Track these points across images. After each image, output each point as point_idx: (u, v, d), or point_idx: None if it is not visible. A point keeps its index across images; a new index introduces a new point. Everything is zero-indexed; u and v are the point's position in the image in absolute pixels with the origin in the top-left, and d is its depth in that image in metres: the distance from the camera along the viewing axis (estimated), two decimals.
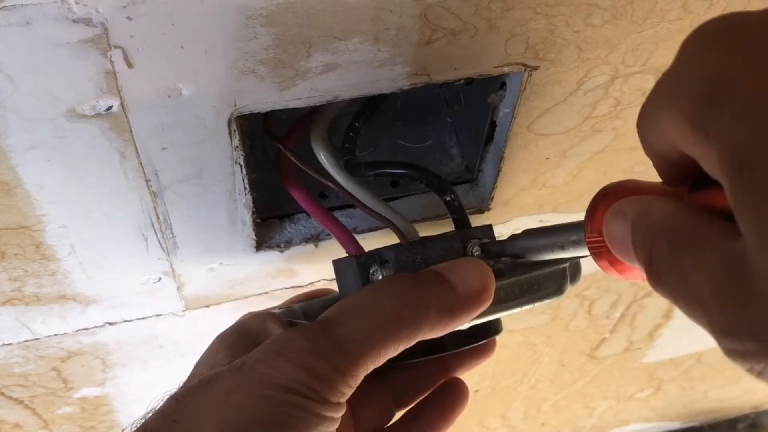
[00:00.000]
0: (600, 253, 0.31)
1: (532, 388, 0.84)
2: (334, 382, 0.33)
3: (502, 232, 0.54)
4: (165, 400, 0.33)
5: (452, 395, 0.45)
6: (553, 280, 0.40)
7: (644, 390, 0.93)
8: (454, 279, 0.36)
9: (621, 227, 0.27)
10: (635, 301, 0.72)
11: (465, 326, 0.38)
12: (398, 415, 0.45)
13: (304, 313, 0.42)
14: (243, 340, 0.36)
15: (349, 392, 0.34)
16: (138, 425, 0.32)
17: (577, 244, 0.33)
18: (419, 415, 0.44)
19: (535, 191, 0.50)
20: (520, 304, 0.39)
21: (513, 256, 0.38)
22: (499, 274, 0.40)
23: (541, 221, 0.54)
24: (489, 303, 0.36)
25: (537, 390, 0.84)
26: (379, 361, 0.34)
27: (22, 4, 0.29)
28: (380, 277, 0.39)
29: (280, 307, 0.43)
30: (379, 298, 0.36)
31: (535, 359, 0.77)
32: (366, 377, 0.45)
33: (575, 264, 0.42)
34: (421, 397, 0.45)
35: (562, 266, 0.40)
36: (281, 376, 0.32)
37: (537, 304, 0.40)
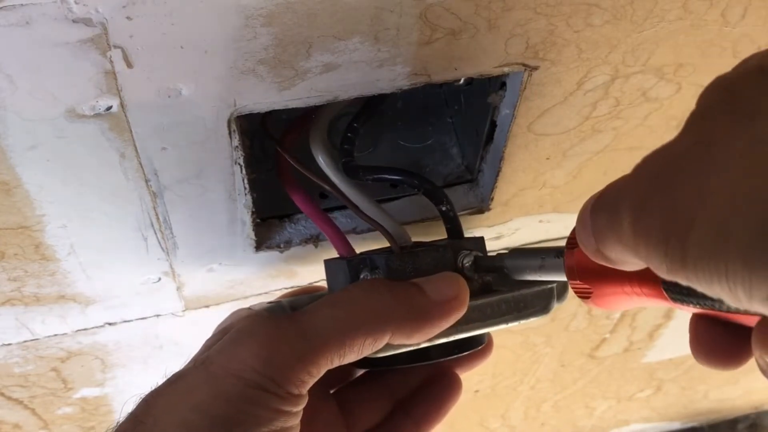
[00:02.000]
0: (586, 296, 0.32)
1: (532, 389, 0.83)
2: (293, 369, 0.33)
3: (502, 232, 0.54)
4: (137, 401, 0.33)
5: (443, 387, 0.45)
6: (540, 299, 0.41)
7: (644, 390, 0.93)
8: (427, 287, 0.37)
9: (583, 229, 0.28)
10: None
11: (449, 339, 0.39)
12: None
13: (292, 307, 0.43)
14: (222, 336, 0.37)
15: (310, 382, 0.33)
16: (112, 428, 0.33)
17: (557, 271, 0.34)
18: (410, 409, 0.44)
19: (536, 191, 0.50)
20: (506, 321, 0.40)
21: (500, 273, 0.39)
22: (486, 288, 0.41)
23: (541, 221, 0.54)
24: (462, 312, 0.37)
25: (537, 390, 0.84)
26: (345, 354, 0.34)
27: (22, 4, 0.29)
28: None
29: (269, 302, 0.44)
30: (351, 294, 0.36)
31: (535, 359, 0.77)
32: (363, 378, 0.45)
33: (564, 283, 0.42)
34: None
35: (549, 286, 0.41)
36: (240, 367, 0.32)
37: (522, 322, 0.41)
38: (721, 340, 0.26)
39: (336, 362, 0.34)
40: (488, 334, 0.44)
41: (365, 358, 0.37)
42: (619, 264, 0.27)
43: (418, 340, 0.36)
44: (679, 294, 0.27)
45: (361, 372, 0.45)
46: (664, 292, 0.28)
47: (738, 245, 0.20)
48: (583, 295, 0.32)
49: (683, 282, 0.22)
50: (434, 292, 0.37)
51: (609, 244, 0.26)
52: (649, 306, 0.30)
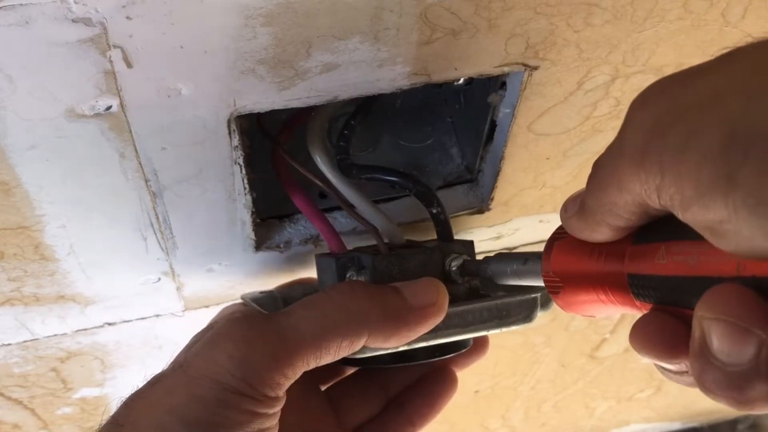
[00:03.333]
0: (556, 292, 0.32)
1: (533, 389, 0.83)
2: (268, 371, 0.33)
3: (502, 232, 0.54)
4: (119, 404, 0.33)
5: (438, 383, 0.45)
6: (523, 308, 0.41)
7: (644, 390, 0.93)
8: (406, 292, 0.37)
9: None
10: None
11: (428, 344, 0.39)
12: None
13: (284, 299, 0.43)
14: None
15: (285, 383, 0.33)
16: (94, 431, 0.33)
17: (538, 274, 0.34)
18: (404, 404, 0.44)
19: (536, 191, 0.50)
20: (487, 328, 0.40)
21: (485, 277, 0.39)
22: (473, 293, 0.41)
23: (541, 221, 0.54)
24: (439, 318, 0.37)
25: (537, 390, 0.84)
26: (321, 356, 0.34)
27: (22, 4, 0.29)
28: None
29: (261, 292, 0.44)
30: (329, 296, 0.36)
31: (535, 359, 0.77)
32: (355, 374, 0.45)
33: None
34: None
35: (533, 295, 0.41)
36: (216, 370, 0.32)
37: (504, 330, 0.41)
38: (665, 327, 0.26)
39: (312, 364, 0.34)
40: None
41: (349, 358, 0.37)
42: (598, 215, 0.28)
43: (395, 344, 0.37)
44: (644, 289, 0.28)
45: (352, 369, 0.45)
46: (629, 288, 0.28)
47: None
48: (553, 290, 0.32)
49: (656, 172, 0.24)
50: (413, 298, 0.37)
51: (601, 176, 0.27)
52: (611, 313, 0.31)
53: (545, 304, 0.42)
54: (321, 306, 0.35)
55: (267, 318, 0.35)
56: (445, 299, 0.38)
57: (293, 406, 0.36)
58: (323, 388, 0.45)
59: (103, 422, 0.33)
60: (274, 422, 0.34)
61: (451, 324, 0.39)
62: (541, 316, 0.42)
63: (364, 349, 0.36)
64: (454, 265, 0.40)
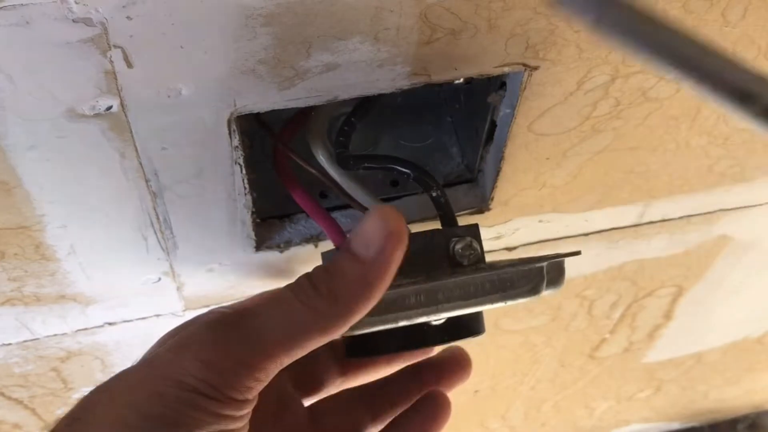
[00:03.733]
0: None
1: (533, 389, 0.84)
2: (237, 376, 0.31)
3: (502, 232, 0.54)
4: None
5: (433, 408, 0.43)
6: (528, 280, 0.38)
7: (644, 390, 0.93)
8: (359, 247, 0.34)
9: None
10: (635, 301, 0.72)
11: (439, 321, 0.38)
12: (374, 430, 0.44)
13: None
14: None
15: (257, 387, 0.32)
16: (54, 423, 0.32)
17: None
18: (397, 429, 0.43)
19: (536, 191, 0.50)
20: (491, 302, 0.38)
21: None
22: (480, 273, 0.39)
23: (541, 221, 0.54)
24: (404, 244, 0.33)
25: (537, 390, 0.84)
26: (295, 354, 0.33)
27: (22, 4, 0.29)
28: None
29: None
30: (294, 295, 0.34)
31: (535, 359, 0.77)
32: (340, 391, 0.44)
33: (557, 266, 0.40)
34: (398, 412, 0.44)
35: (538, 265, 0.39)
36: (180, 371, 0.31)
37: (509, 303, 0.38)
38: None
39: (286, 362, 0.33)
40: (462, 350, 0.43)
41: (359, 348, 0.36)
42: None
43: (375, 301, 0.33)
44: None
45: (336, 389, 0.44)
46: None
47: None
48: None
49: None
50: (368, 250, 0.33)
51: None
52: None
53: (556, 281, 0.40)
54: (288, 305, 0.33)
55: (238, 321, 0.33)
56: (402, 222, 0.34)
57: (269, 417, 0.34)
58: (306, 402, 0.43)
59: (59, 418, 0.32)
60: (242, 423, 0.33)
61: (452, 296, 0.37)
62: (543, 312, 0.40)
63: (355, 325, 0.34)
64: (458, 247, 0.39)
